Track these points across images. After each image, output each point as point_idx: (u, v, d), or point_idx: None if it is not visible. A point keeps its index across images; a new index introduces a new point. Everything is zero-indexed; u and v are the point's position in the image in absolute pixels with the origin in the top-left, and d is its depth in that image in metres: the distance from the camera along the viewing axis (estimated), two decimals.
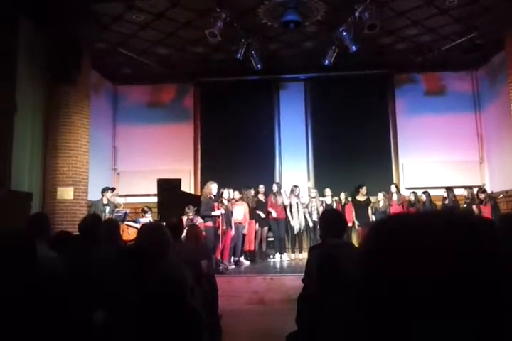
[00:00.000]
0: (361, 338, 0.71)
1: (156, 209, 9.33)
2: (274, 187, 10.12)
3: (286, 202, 10.00)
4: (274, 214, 9.84)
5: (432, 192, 10.06)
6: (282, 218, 9.95)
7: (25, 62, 7.65)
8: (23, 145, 7.62)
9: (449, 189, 9.82)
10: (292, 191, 10.14)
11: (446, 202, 9.72)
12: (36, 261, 2.20)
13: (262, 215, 9.81)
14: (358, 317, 0.68)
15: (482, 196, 9.36)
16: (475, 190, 9.72)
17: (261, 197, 10.02)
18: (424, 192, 9.99)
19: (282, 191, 10.12)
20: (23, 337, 1.90)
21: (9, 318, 1.90)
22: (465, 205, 9.52)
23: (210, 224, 8.25)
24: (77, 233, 4.04)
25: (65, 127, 8.29)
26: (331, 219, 3.40)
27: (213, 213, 8.33)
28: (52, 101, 8.34)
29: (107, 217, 8.39)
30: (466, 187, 9.81)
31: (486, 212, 9.07)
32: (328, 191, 10.26)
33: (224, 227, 8.51)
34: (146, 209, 9.31)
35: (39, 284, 2.09)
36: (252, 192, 9.90)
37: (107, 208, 8.66)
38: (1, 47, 6.98)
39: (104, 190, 8.86)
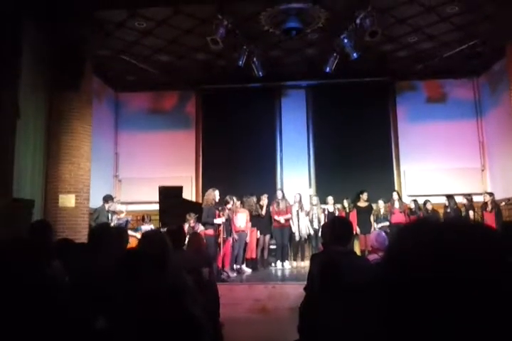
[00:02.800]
0: None
1: (157, 217, 9.32)
2: (279, 194, 10.11)
3: (291, 204, 10.02)
4: (282, 220, 9.81)
5: (434, 200, 10.04)
6: (287, 225, 9.94)
7: (28, 69, 7.67)
8: (25, 152, 7.63)
9: (450, 197, 9.80)
10: (294, 198, 10.14)
11: (448, 210, 9.69)
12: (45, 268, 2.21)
13: (282, 220, 9.79)
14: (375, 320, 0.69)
15: (488, 199, 9.29)
16: (475, 198, 9.70)
17: (264, 208, 9.96)
18: (424, 202, 9.95)
19: (280, 196, 10.09)
20: None
21: (13, 324, 1.90)
22: (465, 213, 9.49)
23: (210, 231, 8.22)
24: (79, 240, 4.04)
25: (66, 134, 8.29)
26: (340, 227, 3.38)
27: (215, 221, 8.29)
28: (54, 107, 8.35)
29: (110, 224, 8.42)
30: (465, 195, 9.80)
31: (490, 219, 9.03)
32: (330, 199, 10.23)
33: (224, 235, 8.49)
34: (145, 217, 9.31)
35: (45, 291, 2.08)
36: (254, 199, 9.88)
37: (109, 215, 8.69)
38: (4, 53, 7.00)
39: (106, 198, 8.88)
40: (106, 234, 3.74)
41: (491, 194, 9.56)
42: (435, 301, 0.62)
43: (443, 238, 0.68)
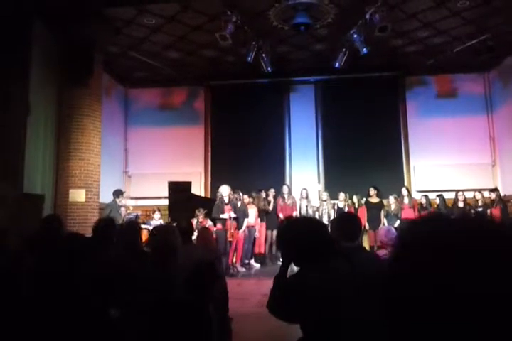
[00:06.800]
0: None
1: (166, 212, 9.36)
2: (285, 189, 10.09)
3: (297, 202, 9.99)
4: (281, 217, 9.81)
5: (444, 195, 9.96)
6: None
7: (38, 65, 7.73)
8: (35, 147, 7.70)
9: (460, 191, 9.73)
10: (301, 194, 10.12)
11: (461, 205, 9.57)
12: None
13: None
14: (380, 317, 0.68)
15: (493, 196, 9.26)
16: (486, 193, 9.61)
17: (271, 203, 9.95)
18: (438, 195, 9.86)
19: (286, 191, 10.08)
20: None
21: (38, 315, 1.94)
22: (479, 209, 9.39)
23: (220, 226, 8.25)
24: (89, 235, 4.08)
25: (77, 130, 8.35)
26: (347, 222, 3.38)
27: (221, 216, 8.31)
28: (64, 104, 8.41)
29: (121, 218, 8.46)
30: (477, 190, 9.70)
31: (496, 214, 8.98)
32: (341, 195, 10.11)
33: (233, 230, 8.49)
34: (154, 208, 9.33)
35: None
36: (263, 194, 9.87)
37: (120, 210, 8.74)
38: (14, 50, 7.06)
39: (117, 193, 8.91)
40: (111, 228, 3.78)
41: (494, 190, 9.52)
42: (437, 298, 0.61)
43: (443, 232, 0.67)
